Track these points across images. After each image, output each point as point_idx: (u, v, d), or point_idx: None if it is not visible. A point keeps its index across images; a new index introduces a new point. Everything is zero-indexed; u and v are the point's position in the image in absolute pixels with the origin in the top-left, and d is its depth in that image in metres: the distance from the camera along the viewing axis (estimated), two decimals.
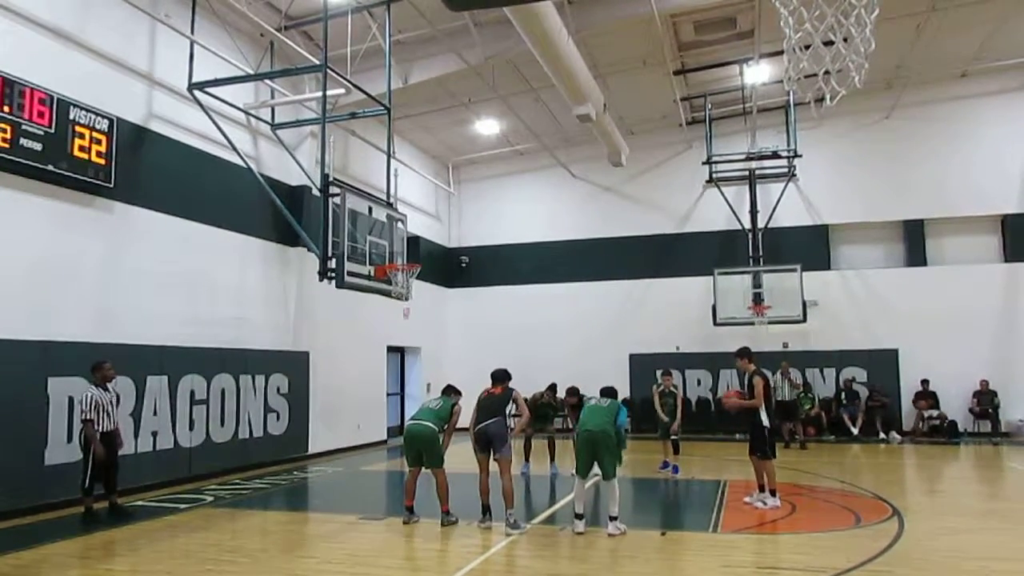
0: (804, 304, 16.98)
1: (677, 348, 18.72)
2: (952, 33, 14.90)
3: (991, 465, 13.35)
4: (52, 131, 9.06)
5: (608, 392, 8.90)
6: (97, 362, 8.63)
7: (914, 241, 17.83)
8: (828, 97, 6.51)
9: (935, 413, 16.66)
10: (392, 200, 12.43)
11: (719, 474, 11.90)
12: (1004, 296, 17.01)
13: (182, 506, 9.28)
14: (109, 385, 8.65)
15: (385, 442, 16.68)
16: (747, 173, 18.51)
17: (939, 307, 17.02)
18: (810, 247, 18.09)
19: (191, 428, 11.12)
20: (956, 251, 17.70)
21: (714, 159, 18.28)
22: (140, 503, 9.44)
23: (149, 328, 10.53)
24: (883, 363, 17.22)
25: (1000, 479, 12.21)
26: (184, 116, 11.59)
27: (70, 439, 8.97)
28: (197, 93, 11.60)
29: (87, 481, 8.32)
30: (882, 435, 16.20)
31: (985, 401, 16.48)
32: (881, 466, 12.92)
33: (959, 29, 14.80)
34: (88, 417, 8.30)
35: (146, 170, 10.82)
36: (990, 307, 16.93)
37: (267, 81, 12.99)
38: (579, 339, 19.06)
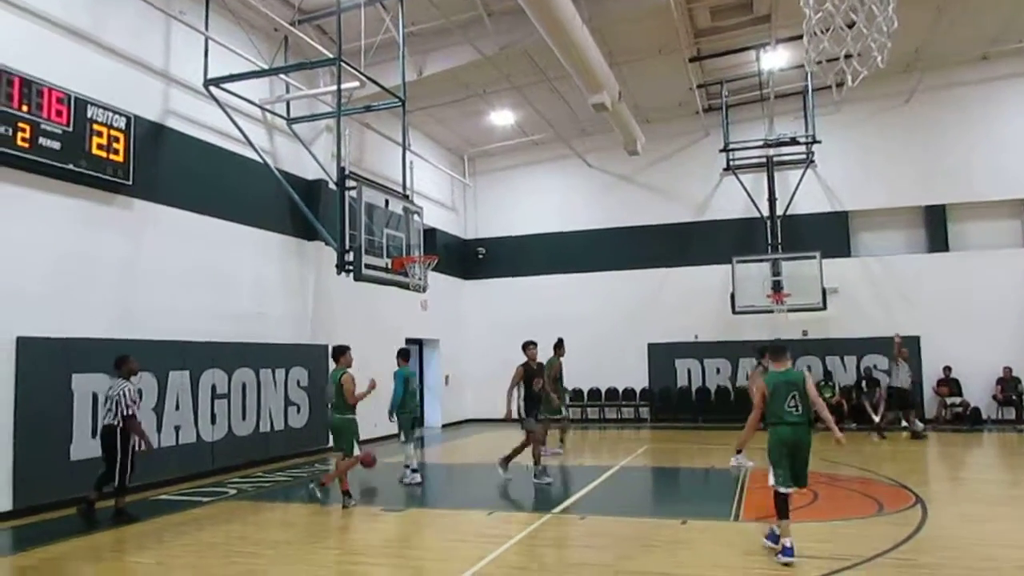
0: (824, 291, 16.82)
1: (696, 337, 18.65)
2: (973, 14, 14.63)
3: (1015, 452, 13.18)
4: (70, 130, 9.14)
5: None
6: (123, 355, 8.55)
7: (935, 227, 17.57)
8: (850, 78, 6.39)
9: (958, 400, 16.48)
10: (408, 192, 12.44)
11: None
12: None
13: (205, 499, 9.38)
14: (133, 379, 8.69)
15: None
16: (765, 160, 18.32)
17: (961, 293, 16.80)
18: (829, 234, 17.89)
19: (213, 422, 11.23)
20: (978, 236, 17.43)
21: (731, 146, 18.12)
22: (163, 497, 9.54)
23: (170, 324, 10.63)
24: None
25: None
26: (200, 112, 11.66)
27: (94, 435, 9.03)
28: (213, 89, 11.65)
29: (126, 478, 8.17)
30: (903, 423, 16.03)
31: (1009, 388, 16.26)
32: (903, 454, 12.80)
33: (980, 10, 14.53)
34: (132, 412, 8.20)
35: (164, 167, 10.90)
36: (1014, 293, 16.66)
37: (282, 76, 13.03)
38: (597, 329, 18.99)
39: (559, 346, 13.39)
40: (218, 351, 11.38)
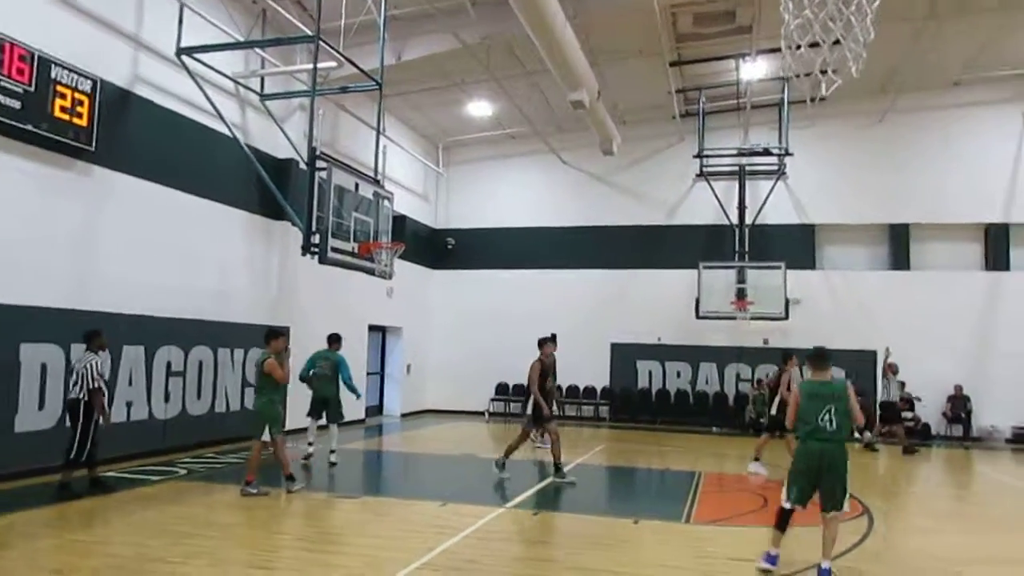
0: (787, 302, 17.07)
1: (659, 339, 18.79)
2: (948, 41, 14.94)
3: (961, 469, 13.54)
4: (32, 89, 8.80)
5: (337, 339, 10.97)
6: (94, 330, 8.40)
7: (898, 245, 17.97)
8: (824, 87, 6.46)
9: (909, 415, 16.85)
10: (380, 177, 12.30)
11: (695, 465, 11.96)
12: (983, 304, 17.21)
13: (154, 478, 9.17)
14: (102, 353, 8.48)
15: (363, 421, 16.62)
16: (737, 169, 18.52)
17: (920, 311, 17.17)
18: (796, 246, 18.16)
19: (167, 400, 10.99)
20: (940, 257, 17.85)
21: (705, 153, 18.26)
22: (112, 474, 9.28)
23: (127, 297, 10.33)
24: (862, 364, 17.32)
25: (969, 483, 12.40)
26: (170, 81, 11.34)
27: (42, 407, 8.80)
28: (185, 59, 11.35)
29: (83, 452, 8.02)
30: (856, 435, 16.34)
31: (958, 406, 16.71)
32: (853, 465, 13.00)
33: (954, 37, 14.85)
34: (97, 385, 8.08)
35: (129, 135, 10.58)
36: (969, 314, 17.11)
37: (257, 50, 12.76)
38: (561, 326, 18.62)
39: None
40: (175, 327, 11.12)
